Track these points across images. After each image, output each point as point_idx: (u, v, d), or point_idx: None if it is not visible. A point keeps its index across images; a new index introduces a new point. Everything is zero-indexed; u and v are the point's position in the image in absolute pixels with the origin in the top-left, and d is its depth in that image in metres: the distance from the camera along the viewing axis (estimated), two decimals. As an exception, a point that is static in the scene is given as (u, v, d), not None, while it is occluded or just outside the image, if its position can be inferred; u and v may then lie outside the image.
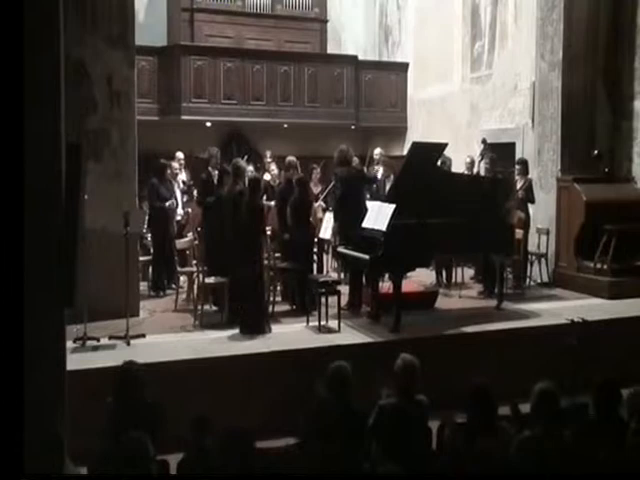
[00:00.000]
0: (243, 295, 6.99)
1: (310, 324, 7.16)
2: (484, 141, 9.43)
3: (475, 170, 9.55)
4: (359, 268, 7.73)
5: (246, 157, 9.03)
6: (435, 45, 12.72)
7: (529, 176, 9.19)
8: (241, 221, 7.00)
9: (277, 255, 8.14)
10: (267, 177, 10.12)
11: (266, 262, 7.55)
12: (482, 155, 9.24)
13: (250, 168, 9.22)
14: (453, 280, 9.23)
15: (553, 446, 3.59)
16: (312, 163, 10.10)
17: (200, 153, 9.02)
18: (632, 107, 9.44)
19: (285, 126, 12.88)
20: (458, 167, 9.57)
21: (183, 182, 9.75)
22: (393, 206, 7.07)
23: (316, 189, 9.55)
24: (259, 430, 3.74)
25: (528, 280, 9.25)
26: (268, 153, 10.75)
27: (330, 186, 9.40)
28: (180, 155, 9.92)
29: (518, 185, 9.05)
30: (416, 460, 3.92)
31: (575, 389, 4.82)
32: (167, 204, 8.80)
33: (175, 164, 9.62)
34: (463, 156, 9.79)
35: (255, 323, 6.86)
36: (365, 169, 8.93)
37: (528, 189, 9.03)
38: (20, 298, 3.09)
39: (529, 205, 9.10)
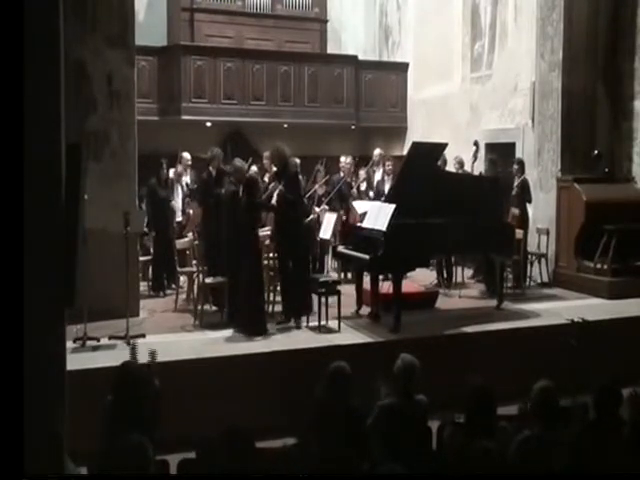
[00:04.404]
0: (240, 295, 6.99)
1: (310, 324, 7.17)
2: (475, 143, 9.23)
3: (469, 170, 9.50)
4: (360, 268, 7.74)
5: (251, 159, 8.97)
6: (435, 45, 12.72)
7: (525, 175, 9.17)
8: (238, 221, 7.00)
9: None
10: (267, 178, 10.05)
11: (265, 262, 7.55)
12: (475, 157, 9.10)
13: (254, 169, 9.17)
14: (453, 280, 9.23)
15: (553, 446, 3.59)
16: (315, 164, 9.95)
17: (202, 153, 9.00)
18: (632, 107, 9.44)
19: (285, 126, 12.87)
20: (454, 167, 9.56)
21: (187, 185, 9.68)
22: (393, 206, 7.07)
23: (320, 190, 9.48)
24: (259, 430, 3.74)
25: (528, 280, 9.26)
26: (266, 154, 10.69)
27: (335, 189, 9.38)
28: (187, 156, 9.76)
29: (514, 184, 9.04)
30: (416, 460, 3.92)
31: (575, 389, 4.83)
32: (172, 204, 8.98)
33: (179, 167, 9.54)
34: (463, 156, 9.76)
35: (251, 323, 6.85)
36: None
37: (524, 188, 9.03)
38: (20, 298, 3.09)
39: (527, 205, 9.09)
